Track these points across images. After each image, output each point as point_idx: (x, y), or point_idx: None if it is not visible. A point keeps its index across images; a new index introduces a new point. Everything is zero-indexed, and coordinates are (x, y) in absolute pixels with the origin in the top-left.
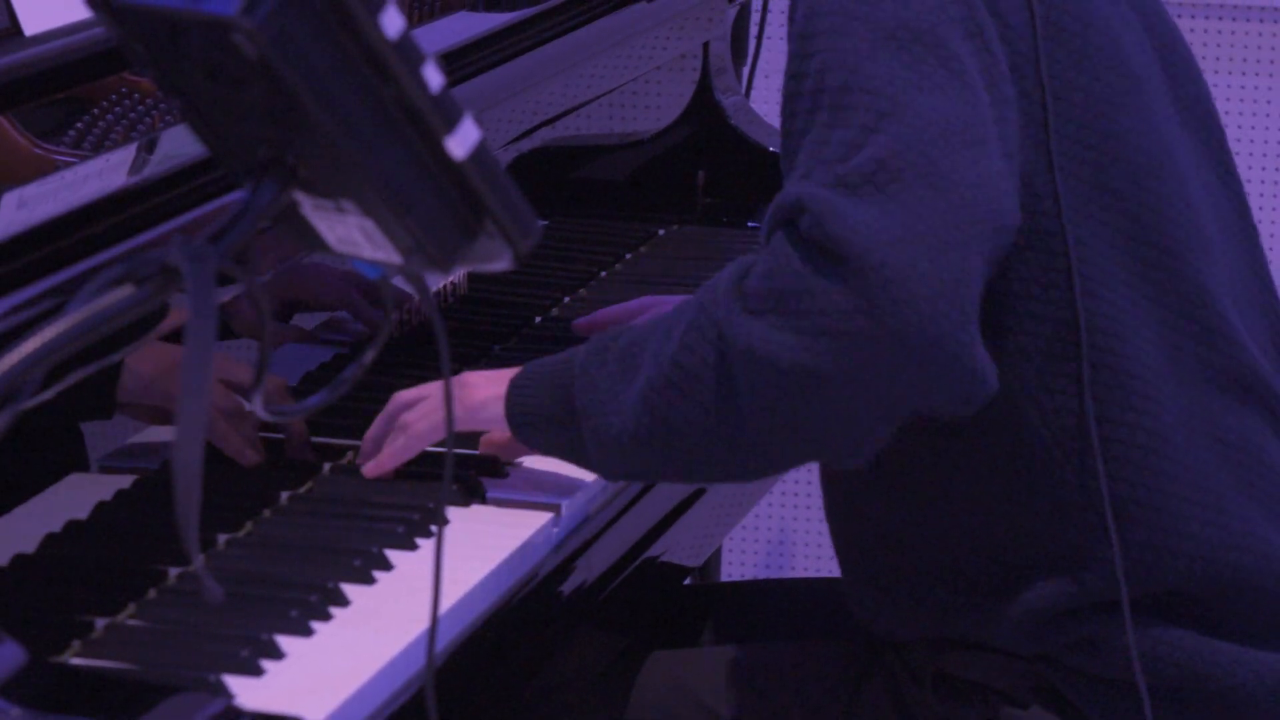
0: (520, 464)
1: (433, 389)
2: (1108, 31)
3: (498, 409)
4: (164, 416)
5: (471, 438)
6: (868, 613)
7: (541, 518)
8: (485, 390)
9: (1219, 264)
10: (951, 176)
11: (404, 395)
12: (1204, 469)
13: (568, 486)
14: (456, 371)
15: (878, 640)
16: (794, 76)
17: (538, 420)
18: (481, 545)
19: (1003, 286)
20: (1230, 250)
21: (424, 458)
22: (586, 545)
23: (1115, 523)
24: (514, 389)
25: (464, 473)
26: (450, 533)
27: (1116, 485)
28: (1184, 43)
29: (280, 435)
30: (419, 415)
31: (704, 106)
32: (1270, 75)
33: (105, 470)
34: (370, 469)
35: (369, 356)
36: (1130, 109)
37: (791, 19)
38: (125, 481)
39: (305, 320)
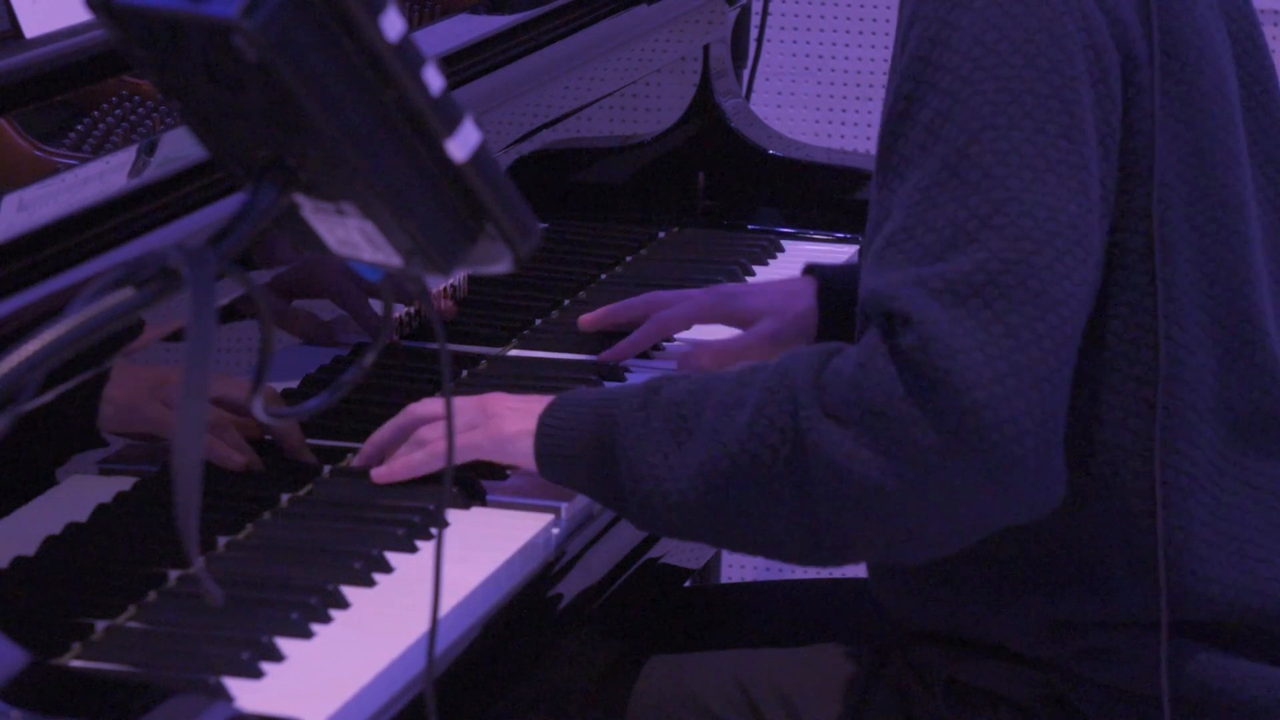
0: (520, 466)
1: (455, 405)
2: (1215, 62)
3: (528, 445)
4: (150, 437)
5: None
6: (891, 599)
7: (541, 520)
8: (515, 424)
9: (1269, 301)
10: (1057, 292)
11: (421, 409)
12: (1232, 514)
13: (568, 489)
14: (456, 375)
15: (890, 642)
16: (907, 98)
17: (573, 466)
18: (481, 548)
19: None
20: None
21: None
22: (586, 548)
23: (1142, 556)
24: (545, 429)
25: (464, 475)
26: (450, 535)
27: (1151, 521)
28: (1272, 70)
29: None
30: (442, 435)
31: (704, 109)
32: None
33: (105, 473)
34: (381, 475)
35: (369, 359)
36: (1223, 144)
37: (909, 22)
38: (125, 484)
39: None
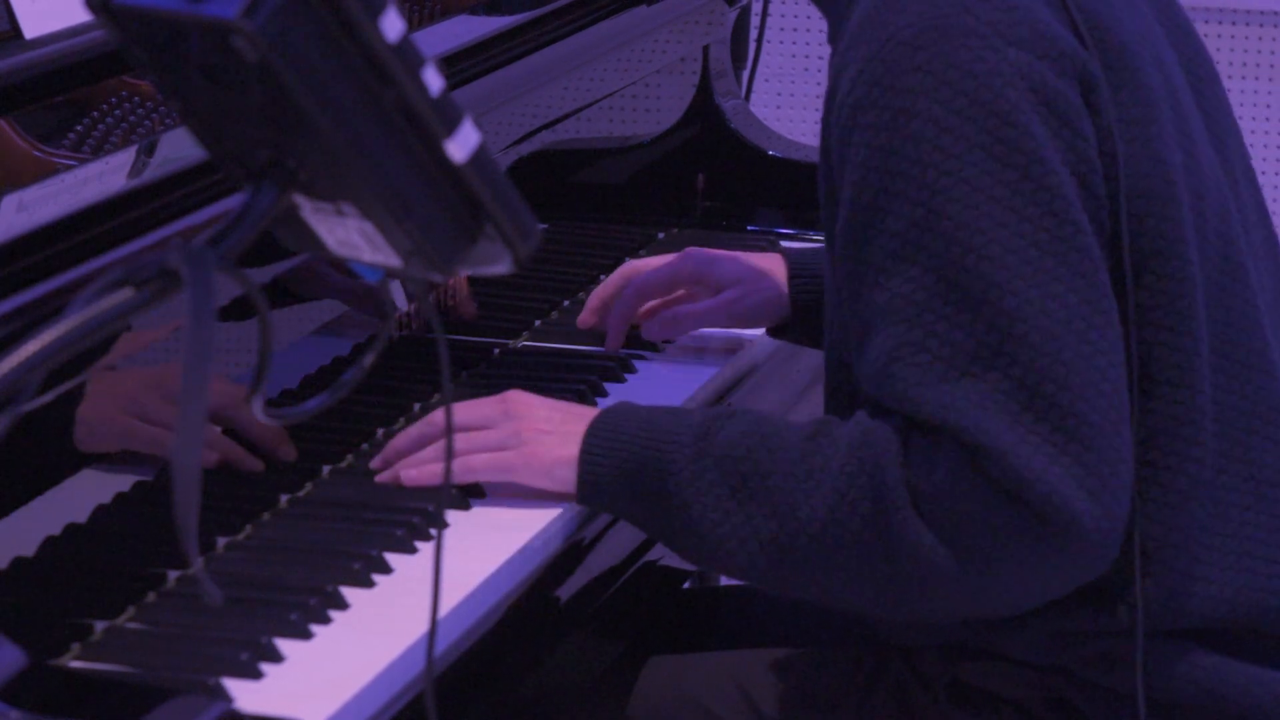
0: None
1: (479, 411)
2: (1157, 58)
3: (570, 474)
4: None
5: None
6: (886, 624)
7: (541, 521)
8: (555, 449)
9: (1256, 290)
10: (1097, 380)
11: (444, 416)
12: (1233, 513)
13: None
14: (456, 376)
15: (891, 645)
16: (870, 204)
17: (621, 502)
18: (481, 548)
19: None
20: (1264, 274)
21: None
22: (586, 548)
23: (1143, 564)
24: (589, 460)
25: None
26: (449, 536)
27: (1150, 526)
28: (1201, 45)
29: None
30: (470, 447)
31: (704, 110)
32: (1270, 80)
33: (105, 473)
34: (411, 478)
35: (369, 359)
36: (1177, 138)
37: (853, 107)
38: (125, 484)
39: (308, 319)
